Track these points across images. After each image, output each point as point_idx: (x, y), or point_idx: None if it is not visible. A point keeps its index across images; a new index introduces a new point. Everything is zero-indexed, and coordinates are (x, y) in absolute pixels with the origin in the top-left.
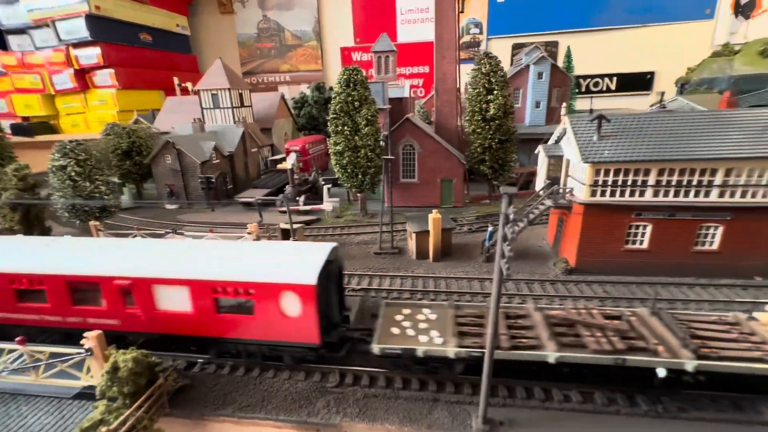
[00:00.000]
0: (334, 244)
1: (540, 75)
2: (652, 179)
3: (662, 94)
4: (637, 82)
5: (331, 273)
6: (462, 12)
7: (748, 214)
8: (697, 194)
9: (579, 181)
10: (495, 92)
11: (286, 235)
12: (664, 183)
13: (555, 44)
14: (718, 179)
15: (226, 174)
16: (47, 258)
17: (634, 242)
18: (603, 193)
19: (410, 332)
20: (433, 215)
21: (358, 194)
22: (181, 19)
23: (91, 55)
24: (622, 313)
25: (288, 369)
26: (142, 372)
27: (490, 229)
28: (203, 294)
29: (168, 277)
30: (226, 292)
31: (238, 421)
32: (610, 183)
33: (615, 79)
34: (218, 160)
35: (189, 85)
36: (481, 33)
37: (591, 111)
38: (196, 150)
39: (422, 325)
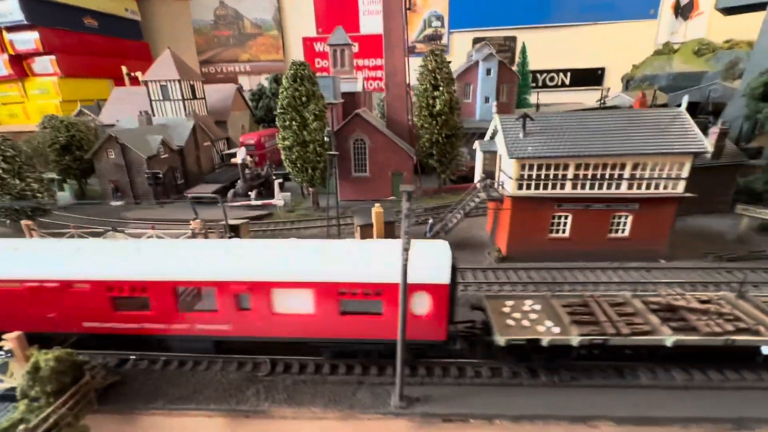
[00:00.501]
0: (445, 242)
1: (488, 71)
2: (570, 173)
3: (607, 90)
4: (589, 77)
5: (452, 270)
6: (409, 9)
7: (652, 204)
8: (609, 186)
9: (508, 176)
10: (441, 88)
11: (232, 230)
12: (581, 177)
13: (513, 39)
14: (627, 173)
15: (175, 169)
16: (149, 263)
17: (557, 231)
18: (528, 187)
19: (525, 323)
20: (376, 209)
21: (310, 188)
22: (130, 3)
23: (28, 39)
24: (711, 297)
25: (221, 360)
26: (66, 370)
27: (430, 221)
28: (328, 296)
29: (291, 280)
30: (353, 294)
31: (169, 413)
32: (534, 177)
33: (569, 74)
34: (167, 155)
35: (139, 74)
36: (442, 26)
37: (537, 106)
38: (142, 144)
39: (532, 316)
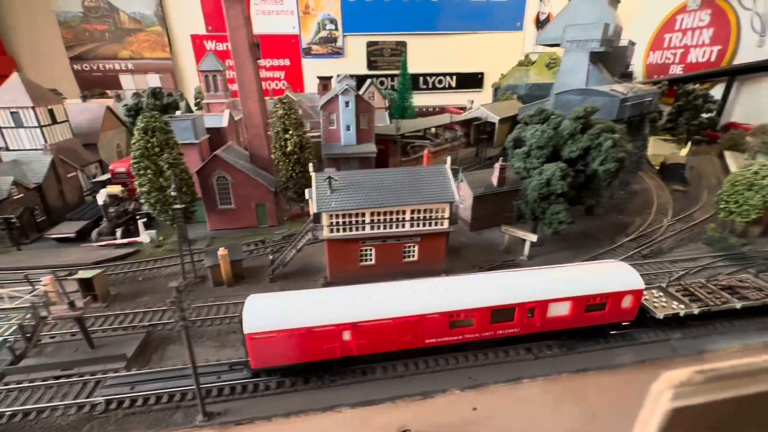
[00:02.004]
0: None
1: (347, 103)
2: (368, 219)
3: (471, 102)
4: (472, 81)
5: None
6: (259, 59)
7: (430, 237)
8: (397, 226)
9: (322, 223)
10: (290, 132)
11: (85, 285)
12: (376, 221)
13: (404, 44)
14: (408, 217)
15: (34, 208)
16: (475, 296)
17: (365, 260)
18: (338, 230)
19: (663, 303)
20: (221, 251)
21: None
22: None
23: None
24: (743, 278)
25: (63, 406)
26: None
27: (270, 257)
28: (580, 304)
29: (560, 297)
30: (594, 300)
31: None
32: (341, 223)
33: (455, 77)
34: (21, 195)
35: None
36: (336, 29)
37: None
38: None
39: (663, 299)
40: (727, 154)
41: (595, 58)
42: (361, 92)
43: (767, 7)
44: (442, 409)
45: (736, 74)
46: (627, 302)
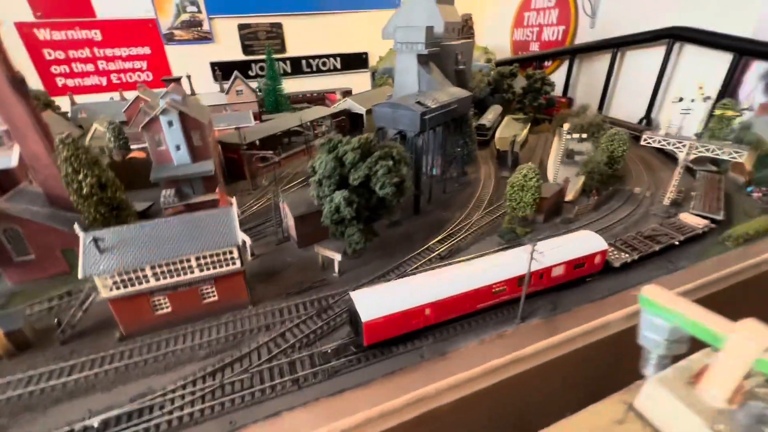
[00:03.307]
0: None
1: (170, 123)
2: (149, 273)
3: (350, 92)
4: (356, 62)
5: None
6: (27, 93)
7: (226, 276)
8: (186, 273)
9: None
10: (83, 173)
11: None
12: (161, 273)
13: (279, 26)
14: (195, 264)
15: None
16: (505, 271)
17: (160, 309)
18: (118, 288)
19: (616, 256)
20: None
21: None
22: None
23: None
24: (655, 228)
25: None
26: None
27: (56, 320)
28: (570, 266)
29: (558, 263)
30: (578, 261)
31: None
32: (119, 281)
33: (339, 58)
34: None
35: None
36: (199, 11)
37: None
38: None
39: (615, 253)
40: (558, 132)
41: (425, 59)
42: (227, 85)
43: None
44: None
45: (576, 53)
46: (597, 259)
